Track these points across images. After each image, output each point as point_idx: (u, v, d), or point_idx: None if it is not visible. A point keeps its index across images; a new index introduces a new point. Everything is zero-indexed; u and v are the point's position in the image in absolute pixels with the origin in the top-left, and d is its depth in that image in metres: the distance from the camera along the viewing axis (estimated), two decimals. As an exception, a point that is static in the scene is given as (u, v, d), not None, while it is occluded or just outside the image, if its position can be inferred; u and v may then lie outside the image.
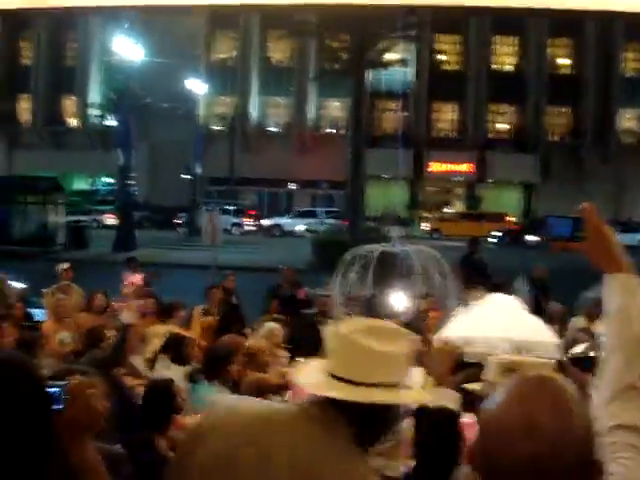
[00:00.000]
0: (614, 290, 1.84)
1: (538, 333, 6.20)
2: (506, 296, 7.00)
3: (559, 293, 11.79)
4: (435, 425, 2.98)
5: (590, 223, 1.96)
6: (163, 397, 4.74)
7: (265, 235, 43.34)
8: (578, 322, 9.14)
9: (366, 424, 2.05)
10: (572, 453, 1.30)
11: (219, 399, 2.20)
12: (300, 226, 44.19)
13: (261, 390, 5.86)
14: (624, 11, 48.82)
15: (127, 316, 8.52)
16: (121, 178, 31.33)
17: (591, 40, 53.15)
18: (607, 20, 51.83)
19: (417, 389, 2.21)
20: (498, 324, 6.06)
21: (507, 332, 6.03)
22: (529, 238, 42.22)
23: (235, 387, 5.79)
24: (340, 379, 2.06)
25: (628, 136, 53.88)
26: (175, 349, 6.64)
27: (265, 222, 46.34)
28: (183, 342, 6.80)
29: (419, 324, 8.58)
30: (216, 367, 5.57)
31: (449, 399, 3.00)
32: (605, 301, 1.88)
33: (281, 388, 6.11)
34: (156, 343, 6.79)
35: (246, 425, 2.02)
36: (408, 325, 8.29)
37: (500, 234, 42.58)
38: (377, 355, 2.05)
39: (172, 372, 6.08)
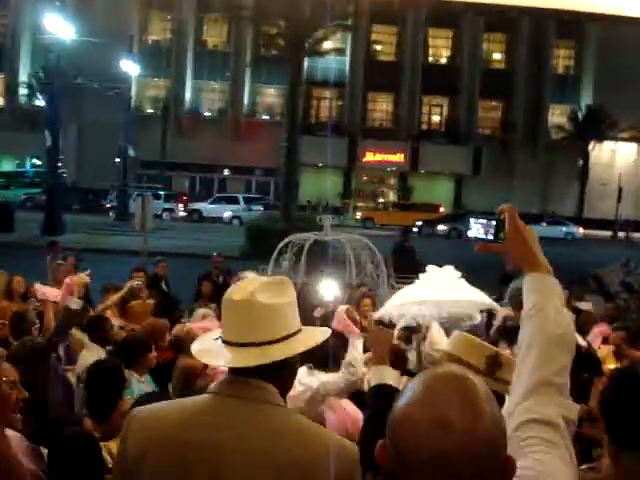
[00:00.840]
0: (532, 289, 1.90)
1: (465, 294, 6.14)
2: (439, 269, 6.93)
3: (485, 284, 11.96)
4: (378, 400, 3.02)
5: (511, 224, 1.99)
6: (111, 379, 4.41)
7: (185, 220, 42.70)
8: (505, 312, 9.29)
9: (281, 378, 2.07)
10: (482, 449, 1.28)
11: (137, 415, 2.07)
12: (227, 212, 43.80)
13: (189, 376, 5.75)
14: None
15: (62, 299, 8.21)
16: (49, 160, 30.45)
17: (524, 36, 54.31)
18: (540, 17, 53.01)
19: (310, 332, 2.19)
20: (428, 292, 6.04)
21: (435, 296, 5.96)
22: (442, 227, 42.73)
23: (160, 373, 5.66)
24: (237, 344, 2.04)
25: (557, 132, 55.26)
26: (96, 329, 6.44)
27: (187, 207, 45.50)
28: (104, 323, 6.62)
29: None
30: (131, 355, 5.40)
31: (390, 377, 3.02)
32: (524, 300, 1.91)
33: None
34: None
35: (184, 436, 1.93)
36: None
37: (420, 223, 43.04)
38: (271, 311, 2.05)
39: (94, 353, 5.89)
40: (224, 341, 2.09)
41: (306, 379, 4.96)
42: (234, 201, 45.30)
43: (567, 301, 9.44)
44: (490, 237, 2.05)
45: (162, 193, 42.99)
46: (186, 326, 6.43)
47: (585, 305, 9.42)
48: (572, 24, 53.75)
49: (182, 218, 43.33)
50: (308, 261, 11.05)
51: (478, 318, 5.74)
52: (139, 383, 5.25)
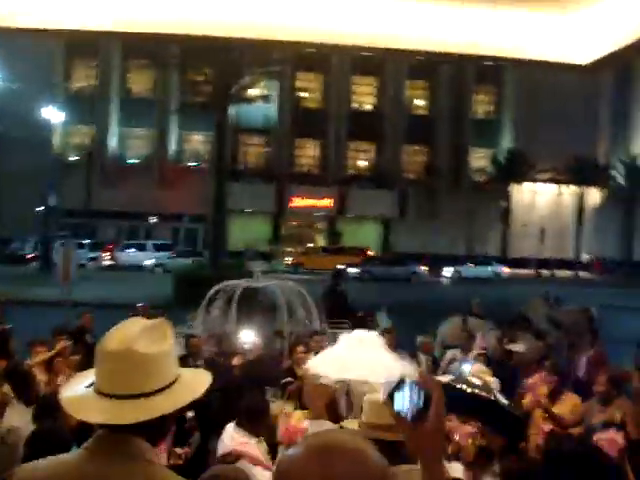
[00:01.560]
0: None
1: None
2: (364, 332, 7.03)
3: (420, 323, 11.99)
4: None
5: (437, 408, 1.56)
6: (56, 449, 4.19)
7: (109, 269, 41.76)
8: (448, 355, 9.35)
9: (151, 434, 1.97)
10: None
11: (17, 471, 2.00)
12: (150, 260, 43.11)
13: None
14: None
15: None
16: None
17: (445, 83, 55.91)
18: (461, 64, 54.73)
19: (189, 382, 2.07)
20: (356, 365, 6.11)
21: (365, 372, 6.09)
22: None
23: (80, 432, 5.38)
24: (106, 395, 1.94)
25: (479, 175, 56.70)
26: (20, 386, 6.10)
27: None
28: (29, 379, 6.27)
29: (267, 361, 8.51)
30: (50, 412, 5.12)
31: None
32: None
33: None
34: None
35: None
36: (256, 362, 8.14)
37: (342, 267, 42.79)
38: (151, 360, 1.95)
39: (19, 415, 5.57)
40: (97, 391, 1.97)
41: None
42: (142, 248, 44.76)
43: (499, 342, 9.50)
44: (413, 410, 1.56)
45: (87, 242, 42.04)
46: None
47: (517, 347, 9.49)
48: (491, 70, 55.71)
49: (107, 267, 42.38)
50: (239, 309, 10.85)
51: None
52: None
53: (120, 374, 1.93)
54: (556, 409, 6.63)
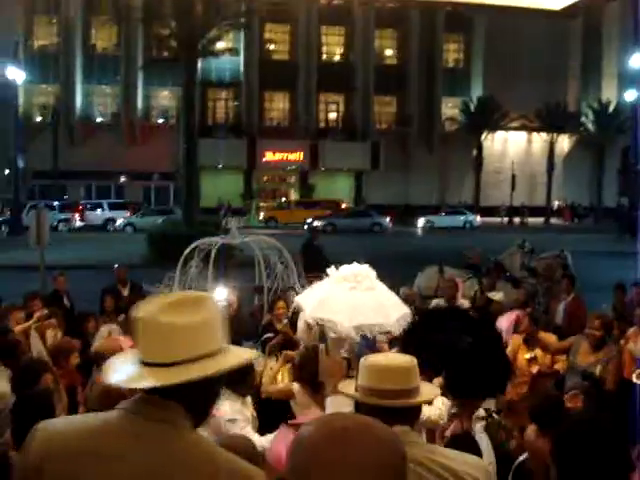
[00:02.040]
0: None
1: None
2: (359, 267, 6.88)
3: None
4: None
5: None
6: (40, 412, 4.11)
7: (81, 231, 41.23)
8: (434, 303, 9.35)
9: (194, 402, 1.96)
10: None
11: (41, 427, 1.96)
12: (120, 220, 42.75)
13: (108, 397, 5.42)
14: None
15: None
16: None
17: (415, 31, 55.36)
18: (430, 12, 54.18)
19: (234, 351, 2.06)
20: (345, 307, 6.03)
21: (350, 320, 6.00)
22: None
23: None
24: (150, 364, 1.93)
25: (451, 124, 56.62)
26: (7, 354, 6.02)
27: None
28: (17, 347, 6.19)
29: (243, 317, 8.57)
30: (25, 381, 5.02)
31: (346, 406, 3.12)
32: None
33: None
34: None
35: (83, 448, 1.87)
36: (233, 318, 8.17)
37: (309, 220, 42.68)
38: (177, 330, 1.92)
39: (6, 381, 5.50)
40: (139, 360, 1.97)
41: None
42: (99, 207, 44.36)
43: (480, 291, 9.52)
44: None
45: (57, 204, 41.44)
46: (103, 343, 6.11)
47: (496, 295, 9.53)
48: (460, 17, 55.24)
49: (78, 229, 41.89)
50: (216, 266, 10.77)
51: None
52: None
53: (150, 342, 1.94)
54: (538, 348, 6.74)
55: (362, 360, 2.73)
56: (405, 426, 2.55)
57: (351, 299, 5.97)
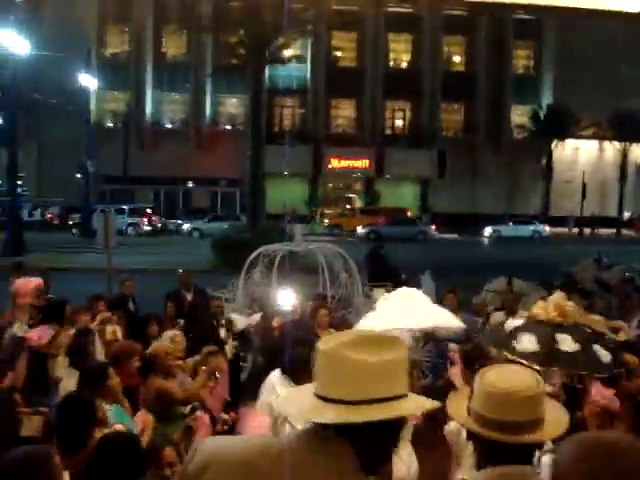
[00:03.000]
0: None
1: (442, 320, 6.41)
2: (409, 289, 7.01)
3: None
4: None
5: None
6: (81, 417, 4.12)
7: (149, 235, 41.75)
8: (497, 317, 9.13)
9: (370, 445, 1.87)
10: None
11: (204, 441, 2.02)
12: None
13: (162, 399, 5.41)
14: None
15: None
16: (8, 178, 29.71)
17: (483, 38, 54.66)
18: (499, 18, 53.43)
19: (413, 397, 1.96)
20: (406, 316, 6.11)
21: (416, 323, 6.13)
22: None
23: (132, 399, 5.33)
24: (330, 400, 1.87)
25: (520, 132, 55.66)
26: (77, 354, 6.09)
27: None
28: (83, 348, 6.24)
29: (308, 322, 8.47)
30: (90, 384, 5.03)
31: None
32: None
33: (186, 401, 5.65)
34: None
35: (242, 462, 1.87)
36: (297, 322, 8.18)
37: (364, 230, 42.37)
38: (366, 368, 1.85)
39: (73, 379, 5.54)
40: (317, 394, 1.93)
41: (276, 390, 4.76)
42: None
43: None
44: None
45: (126, 208, 42.25)
46: (158, 345, 6.10)
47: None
48: (530, 24, 54.28)
49: (147, 233, 42.61)
50: (280, 273, 10.72)
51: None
52: (122, 414, 4.92)
53: (326, 376, 1.90)
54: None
55: (480, 378, 2.26)
56: (526, 466, 2.15)
57: (410, 310, 6.05)
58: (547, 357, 4.98)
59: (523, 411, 2.14)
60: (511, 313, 8.67)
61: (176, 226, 44.33)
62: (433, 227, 44.21)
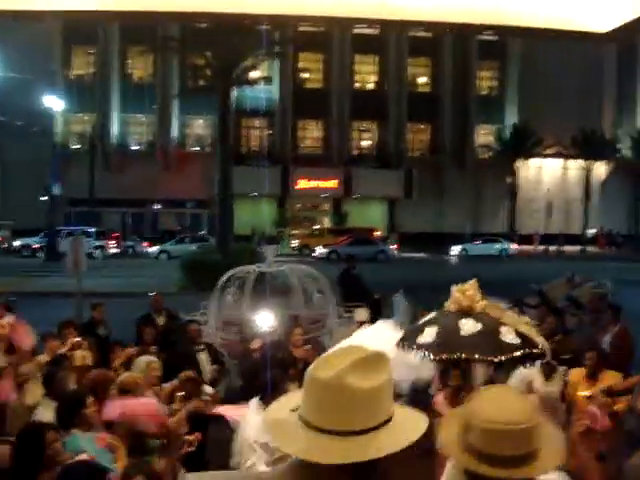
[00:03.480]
0: None
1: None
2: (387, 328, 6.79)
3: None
4: None
5: None
6: (34, 445, 4.07)
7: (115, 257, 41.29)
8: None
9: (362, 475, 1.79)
10: None
11: (187, 478, 1.88)
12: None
13: (134, 432, 5.25)
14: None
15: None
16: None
17: (448, 59, 55.31)
18: (463, 39, 54.16)
19: (403, 421, 1.88)
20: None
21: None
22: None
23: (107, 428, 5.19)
24: (322, 430, 1.77)
25: (484, 151, 56.33)
26: (49, 384, 5.95)
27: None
28: (57, 376, 6.10)
29: (285, 342, 8.55)
30: (67, 413, 4.92)
31: None
32: None
33: (162, 434, 5.44)
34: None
35: None
36: (276, 343, 8.15)
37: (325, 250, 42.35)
38: (358, 395, 1.78)
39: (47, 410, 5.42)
40: (303, 421, 1.81)
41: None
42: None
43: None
44: None
45: (92, 231, 41.76)
46: (132, 375, 5.96)
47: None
48: (494, 45, 55.14)
49: (113, 255, 42.13)
50: (252, 294, 10.64)
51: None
52: (91, 443, 4.77)
53: (328, 407, 1.77)
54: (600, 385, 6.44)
55: (472, 409, 2.14)
56: None
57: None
58: (445, 346, 4.86)
59: (523, 444, 2.04)
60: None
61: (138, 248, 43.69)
62: (394, 247, 44.30)
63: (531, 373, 6.08)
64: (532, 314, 10.25)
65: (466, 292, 5.19)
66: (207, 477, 2.03)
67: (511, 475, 2.01)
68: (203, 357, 8.44)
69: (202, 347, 8.63)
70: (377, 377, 1.81)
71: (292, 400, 1.92)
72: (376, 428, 1.78)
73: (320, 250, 42.11)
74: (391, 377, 1.87)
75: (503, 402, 2.10)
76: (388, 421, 1.81)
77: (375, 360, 1.86)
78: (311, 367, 1.86)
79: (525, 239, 50.80)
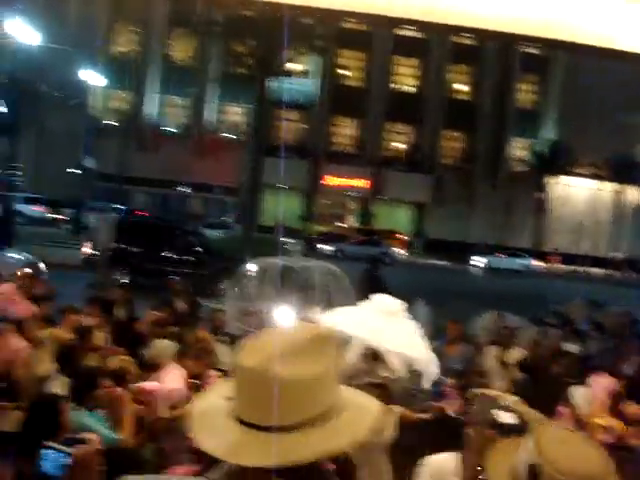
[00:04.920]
0: None
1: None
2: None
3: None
4: None
5: None
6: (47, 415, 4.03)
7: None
8: (493, 351, 8.98)
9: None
10: None
11: None
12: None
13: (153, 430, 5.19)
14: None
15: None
16: (4, 167, 29.44)
17: (489, 69, 54.90)
18: (506, 50, 53.72)
19: (354, 410, 1.64)
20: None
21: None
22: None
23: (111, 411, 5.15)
24: (251, 425, 1.55)
25: (518, 164, 55.87)
26: (65, 359, 5.88)
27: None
28: (75, 352, 6.05)
29: None
30: (79, 392, 4.87)
31: None
32: None
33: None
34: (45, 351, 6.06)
35: None
36: None
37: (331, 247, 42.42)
38: (285, 386, 1.54)
39: (58, 386, 5.36)
40: (235, 415, 1.59)
41: None
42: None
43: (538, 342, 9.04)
44: None
45: (123, 208, 41.89)
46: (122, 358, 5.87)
47: (572, 347, 9.10)
48: (537, 58, 54.61)
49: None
50: (274, 288, 10.59)
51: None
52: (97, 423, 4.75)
53: (258, 398, 1.55)
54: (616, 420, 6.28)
55: (538, 451, 1.86)
56: None
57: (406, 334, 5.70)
58: None
59: None
60: (507, 347, 8.57)
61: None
62: (399, 250, 44.18)
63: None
64: (553, 334, 10.14)
65: None
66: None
67: None
68: (224, 349, 8.21)
69: (225, 338, 8.42)
70: (314, 364, 1.57)
71: (225, 388, 1.70)
72: (315, 422, 1.56)
73: (327, 247, 42.14)
74: (337, 363, 1.65)
75: (574, 449, 1.84)
76: (327, 416, 1.58)
77: (315, 344, 1.62)
78: (239, 352, 1.63)
79: (550, 256, 50.35)
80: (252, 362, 1.57)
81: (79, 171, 38.72)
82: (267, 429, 1.54)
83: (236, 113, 53.89)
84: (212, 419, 1.62)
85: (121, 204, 43.39)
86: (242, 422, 1.57)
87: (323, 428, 1.57)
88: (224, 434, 1.57)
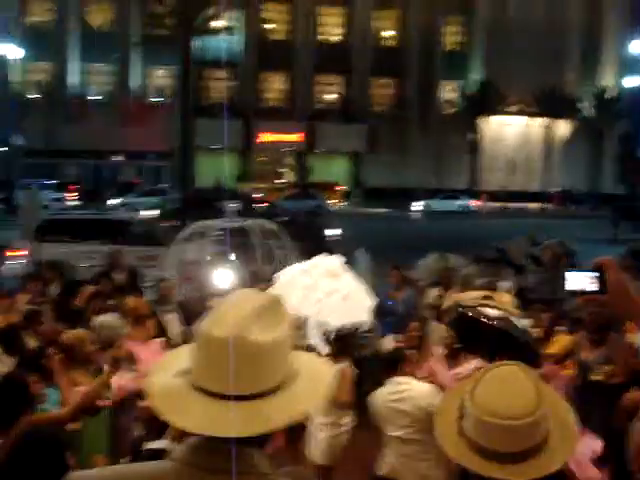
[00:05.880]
0: None
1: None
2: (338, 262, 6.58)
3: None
4: None
5: (612, 276, 2.10)
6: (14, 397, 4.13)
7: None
8: (433, 292, 9.15)
9: (256, 440, 1.56)
10: None
11: (71, 477, 1.64)
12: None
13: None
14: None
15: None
16: None
17: (414, 13, 54.73)
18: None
19: (309, 371, 1.65)
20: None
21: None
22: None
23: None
24: (206, 392, 1.53)
25: (448, 107, 56.27)
26: (8, 339, 5.80)
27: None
28: (17, 331, 5.98)
29: None
30: (28, 364, 4.86)
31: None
32: None
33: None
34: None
35: None
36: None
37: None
38: (256, 353, 1.53)
39: (4, 365, 5.30)
40: (196, 386, 1.56)
41: None
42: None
43: (489, 283, 9.28)
44: (594, 288, 2.15)
45: (52, 183, 40.87)
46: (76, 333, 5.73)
47: (505, 285, 9.31)
48: (461, 0, 54.71)
49: (72, 208, 41.36)
50: (212, 249, 10.56)
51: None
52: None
53: (227, 368, 1.51)
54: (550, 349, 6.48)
55: (471, 398, 1.89)
56: None
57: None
58: None
59: (522, 440, 1.82)
60: (447, 288, 8.72)
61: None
62: (331, 201, 43.97)
63: None
64: (490, 271, 10.35)
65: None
66: (93, 474, 1.77)
67: (507, 477, 1.81)
68: (171, 318, 8.04)
69: (170, 307, 8.27)
70: (278, 328, 1.58)
71: (176, 362, 1.66)
72: (282, 386, 1.57)
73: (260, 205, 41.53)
74: (289, 327, 1.64)
75: (507, 388, 1.86)
76: (292, 378, 1.59)
77: (272, 309, 1.62)
78: (204, 323, 1.59)
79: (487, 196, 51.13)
80: (221, 332, 1.54)
81: (5, 148, 37.59)
82: (244, 398, 1.53)
83: (162, 76, 52.81)
84: (177, 395, 1.58)
85: (52, 179, 42.25)
86: (211, 393, 1.54)
87: (291, 391, 1.57)
88: (194, 408, 1.54)
